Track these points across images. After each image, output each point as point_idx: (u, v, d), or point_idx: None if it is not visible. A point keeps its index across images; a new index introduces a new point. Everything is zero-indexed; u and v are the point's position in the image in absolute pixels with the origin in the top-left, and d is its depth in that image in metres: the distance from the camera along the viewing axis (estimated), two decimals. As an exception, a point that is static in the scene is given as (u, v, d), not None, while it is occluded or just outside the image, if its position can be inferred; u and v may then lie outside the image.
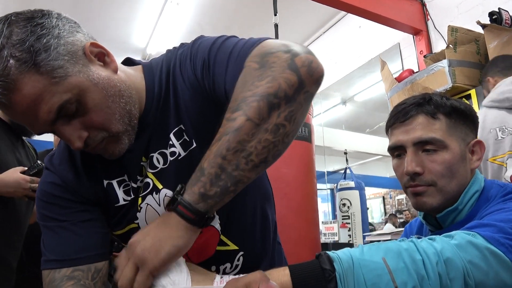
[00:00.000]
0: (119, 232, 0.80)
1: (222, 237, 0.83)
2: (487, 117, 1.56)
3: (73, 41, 0.64)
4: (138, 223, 0.77)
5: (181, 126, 0.73)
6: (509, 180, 1.51)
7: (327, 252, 0.57)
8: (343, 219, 4.56)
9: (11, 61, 0.57)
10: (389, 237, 2.58)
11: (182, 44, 0.77)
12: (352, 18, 3.82)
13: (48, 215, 0.75)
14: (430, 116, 0.83)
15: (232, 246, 0.84)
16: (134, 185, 0.76)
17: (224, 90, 0.64)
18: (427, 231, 0.92)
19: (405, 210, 8.83)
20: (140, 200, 0.76)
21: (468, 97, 2.04)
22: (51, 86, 0.59)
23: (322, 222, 4.39)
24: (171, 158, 0.74)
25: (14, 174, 1.48)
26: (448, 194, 0.81)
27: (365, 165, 8.05)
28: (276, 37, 2.48)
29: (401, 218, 8.17)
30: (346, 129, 5.95)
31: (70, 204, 0.75)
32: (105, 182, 0.76)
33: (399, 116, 0.86)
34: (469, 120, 0.86)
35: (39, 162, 1.58)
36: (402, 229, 1.27)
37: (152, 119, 0.75)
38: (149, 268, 0.55)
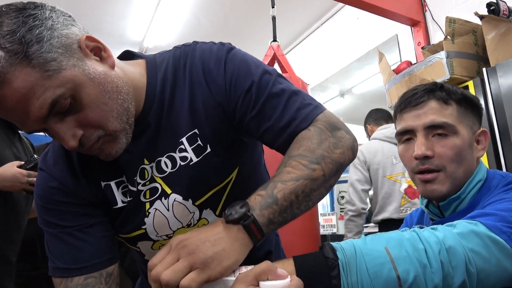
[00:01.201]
0: (125, 236, 0.78)
1: None
2: (384, 148, 2.26)
3: (68, 34, 0.61)
4: (145, 229, 0.76)
5: (196, 130, 0.72)
6: (403, 192, 2.17)
7: (330, 243, 0.57)
8: (341, 211, 4.58)
9: (1, 52, 0.54)
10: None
11: (197, 42, 0.75)
12: (349, 10, 3.80)
13: (51, 221, 0.73)
14: (442, 101, 0.84)
15: None
16: (133, 188, 0.73)
17: (269, 129, 0.70)
18: (428, 221, 0.93)
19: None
20: (148, 205, 0.74)
21: (466, 88, 2.04)
22: (43, 79, 0.56)
23: (321, 214, 4.42)
24: (182, 163, 0.72)
25: (11, 168, 1.48)
26: (456, 180, 0.82)
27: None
28: (274, 29, 2.47)
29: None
30: (344, 121, 5.94)
31: (71, 208, 0.73)
32: (103, 183, 0.74)
33: (411, 100, 0.86)
34: (476, 109, 0.87)
35: (35, 156, 1.58)
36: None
37: (155, 120, 0.72)
38: (209, 274, 0.52)
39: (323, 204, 4.77)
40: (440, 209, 0.85)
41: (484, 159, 1.91)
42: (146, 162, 0.73)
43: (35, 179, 1.51)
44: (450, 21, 2.09)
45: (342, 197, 4.64)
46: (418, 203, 2.11)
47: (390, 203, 2.20)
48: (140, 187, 0.74)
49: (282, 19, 2.88)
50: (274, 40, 2.46)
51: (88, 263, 0.71)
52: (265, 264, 0.52)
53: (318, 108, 0.72)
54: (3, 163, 1.53)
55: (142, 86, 0.72)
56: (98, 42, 0.66)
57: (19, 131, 1.74)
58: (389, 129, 2.30)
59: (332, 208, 5.11)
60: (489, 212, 0.69)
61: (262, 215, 0.57)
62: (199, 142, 0.72)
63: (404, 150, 0.88)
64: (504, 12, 1.99)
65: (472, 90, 2.02)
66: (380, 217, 2.28)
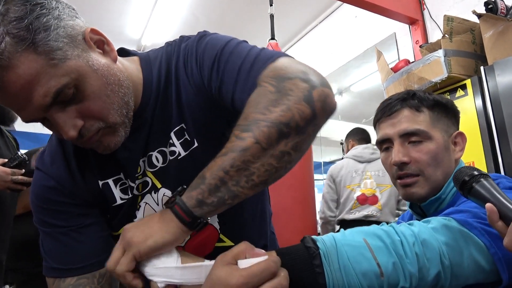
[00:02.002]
0: (119, 232, 0.77)
1: (221, 236, 0.83)
2: (349, 164, 2.77)
3: (73, 25, 0.62)
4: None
5: (183, 125, 0.72)
6: (355, 198, 2.66)
7: (311, 236, 0.59)
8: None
9: (7, 38, 0.54)
10: (385, 227, 2.61)
11: (183, 37, 0.75)
12: (348, 8, 3.79)
13: (47, 220, 0.73)
14: (414, 109, 0.89)
15: (228, 243, 0.84)
16: (132, 184, 0.74)
17: (232, 99, 0.64)
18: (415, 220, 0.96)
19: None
20: (139, 198, 0.75)
21: (464, 87, 2.05)
22: (49, 68, 0.56)
23: (319, 212, 4.42)
24: (171, 158, 0.73)
25: None
26: (435, 183, 0.86)
27: (361, 155, 8.06)
28: (272, 27, 2.47)
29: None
30: (342, 120, 5.95)
31: (68, 208, 0.73)
32: (100, 183, 0.74)
33: (386, 110, 0.91)
34: (450, 113, 0.92)
35: (19, 153, 1.54)
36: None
37: (151, 116, 0.72)
38: (133, 252, 0.56)
39: (321, 202, 4.77)
40: (422, 209, 0.89)
41: (481, 158, 1.91)
42: (141, 157, 0.74)
43: (19, 177, 1.50)
44: (448, 19, 2.10)
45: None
46: (371, 208, 2.61)
47: (346, 207, 2.72)
48: (137, 182, 0.75)
49: (280, 17, 2.87)
50: (272, 38, 2.46)
51: (81, 264, 0.72)
52: (244, 244, 0.53)
53: (265, 58, 0.63)
54: None
55: (139, 81, 0.73)
56: (101, 35, 0.66)
57: (1, 126, 1.73)
58: (357, 150, 2.82)
59: (330, 206, 5.11)
60: (462, 209, 0.72)
61: (191, 196, 0.56)
62: (186, 136, 0.73)
63: (384, 158, 0.93)
64: (502, 10, 2.00)
65: (469, 89, 2.02)
66: (340, 217, 2.77)
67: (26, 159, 1.55)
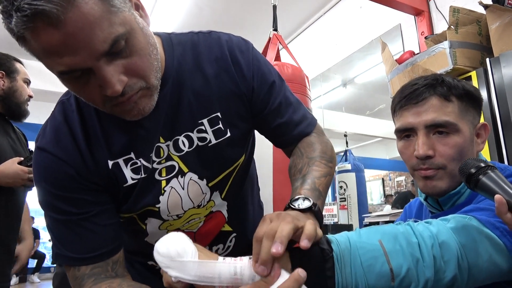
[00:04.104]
0: (130, 215, 0.77)
1: (225, 225, 0.88)
2: None
3: None
4: (159, 207, 0.76)
5: (218, 114, 0.76)
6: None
7: (326, 235, 0.58)
8: (340, 201, 4.63)
9: None
10: (388, 218, 2.60)
11: (214, 32, 0.79)
12: (353, -1, 3.76)
13: (55, 204, 0.71)
14: (443, 98, 0.82)
15: (227, 228, 0.89)
16: (147, 165, 0.73)
17: (279, 124, 0.82)
18: (427, 212, 0.93)
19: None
20: (164, 183, 0.75)
21: (469, 78, 2.03)
22: (109, 14, 0.56)
23: (322, 204, 4.44)
24: (200, 143, 0.75)
25: (13, 165, 1.54)
26: (457, 177, 0.81)
27: (365, 147, 8.05)
28: (274, 19, 2.45)
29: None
30: (346, 111, 5.93)
31: (79, 195, 0.71)
32: (110, 163, 0.72)
33: (411, 97, 0.84)
34: (477, 103, 0.86)
35: None
36: (401, 210, 1.29)
37: (171, 98, 0.73)
38: (295, 223, 0.55)
39: (324, 194, 4.79)
40: (439, 203, 0.85)
41: (485, 151, 1.91)
42: (161, 140, 0.74)
43: None
44: (454, 10, 2.07)
45: (341, 187, 4.69)
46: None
47: None
48: (155, 165, 0.74)
49: (284, 8, 2.85)
50: (275, 29, 2.45)
51: (93, 253, 0.71)
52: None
53: (314, 117, 0.89)
54: (0, 151, 1.58)
55: (162, 58, 0.73)
56: (139, 0, 0.67)
57: (12, 122, 1.78)
58: None
59: (334, 198, 5.13)
60: (483, 207, 0.69)
61: (319, 204, 0.68)
62: (221, 125, 0.76)
63: (404, 147, 0.87)
64: (509, 1, 1.97)
65: (475, 81, 2.00)
66: None
67: None
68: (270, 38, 2.46)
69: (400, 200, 5.46)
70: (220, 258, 0.57)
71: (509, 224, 0.57)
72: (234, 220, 0.89)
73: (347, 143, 5.26)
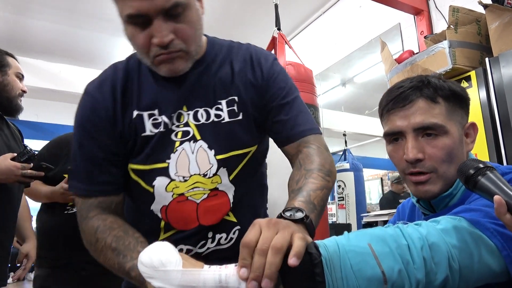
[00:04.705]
0: (147, 167, 0.87)
1: (230, 212, 0.91)
2: None
3: None
4: (169, 163, 0.86)
5: (235, 97, 0.89)
6: None
7: (314, 241, 0.57)
8: (339, 200, 4.63)
9: None
10: (386, 218, 2.61)
11: (247, 43, 0.97)
12: (352, -2, 3.76)
13: (83, 141, 0.85)
14: (430, 100, 0.81)
15: (232, 218, 0.92)
16: (167, 121, 0.86)
17: (292, 129, 0.89)
18: (420, 213, 0.92)
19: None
20: (177, 143, 0.87)
21: (468, 78, 2.03)
22: None
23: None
24: (216, 119, 0.88)
25: (5, 161, 1.51)
26: (448, 179, 0.81)
27: (364, 146, 8.06)
28: (277, 17, 2.45)
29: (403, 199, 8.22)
30: (345, 111, 5.93)
31: (103, 136, 0.85)
32: (135, 113, 0.86)
33: (398, 100, 0.83)
34: (464, 103, 0.85)
35: (28, 148, 1.60)
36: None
37: (201, 77, 0.89)
38: (292, 229, 0.57)
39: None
40: (431, 205, 0.85)
41: (484, 150, 1.91)
42: (184, 108, 0.87)
43: (28, 171, 1.54)
44: (454, 10, 2.07)
45: (339, 186, 4.69)
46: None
47: None
48: (174, 127, 0.87)
49: (284, 7, 2.85)
50: (278, 28, 2.45)
51: (104, 187, 0.85)
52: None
53: (319, 129, 0.93)
54: None
55: (203, 46, 0.91)
56: None
57: (6, 118, 1.75)
58: None
59: (332, 197, 5.14)
60: (473, 207, 0.69)
61: (311, 218, 0.67)
62: (235, 107, 0.89)
63: (393, 150, 0.86)
64: (509, 1, 1.97)
65: (474, 81, 2.01)
66: None
67: (35, 154, 1.62)
68: (274, 37, 2.46)
69: (387, 204, 5.31)
70: (206, 267, 0.56)
71: (509, 225, 0.57)
72: (239, 212, 0.92)
73: (346, 142, 5.26)
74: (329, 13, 4.30)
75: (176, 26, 0.77)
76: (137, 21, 0.76)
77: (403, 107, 0.83)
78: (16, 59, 1.78)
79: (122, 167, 0.88)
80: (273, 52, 2.52)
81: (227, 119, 0.88)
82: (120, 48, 5.47)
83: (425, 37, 2.48)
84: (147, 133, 0.85)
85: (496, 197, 0.57)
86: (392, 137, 0.86)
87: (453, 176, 0.81)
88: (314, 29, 4.54)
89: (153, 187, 0.87)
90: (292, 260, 0.51)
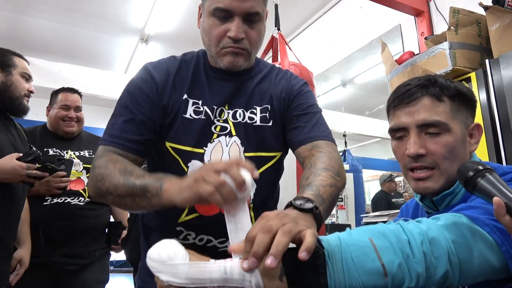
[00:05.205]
0: (187, 148, 0.96)
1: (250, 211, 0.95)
2: None
3: None
4: (205, 150, 0.96)
5: (268, 106, 1.02)
6: None
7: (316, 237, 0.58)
8: (338, 200, 4.63)
9: None
10: (385, 219, 2.60)
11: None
12: (353, -1, 3.77)
13: (129, 106, 0.94)
14: (435, 98, 0.83)
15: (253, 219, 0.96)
16: (209, 112, 0.97)
17: (305, 135, 0.98)
18: (423, 212, 0.93)
19: (403, 192, 8.88)
20: (215, 135, 0.97)
21: (468, 80, 2.03)
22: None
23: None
24: (248, 121, 1.00)
25: (11, 161, 1.51)
26: (450, 177, 0.81)
27: (364, 147, 8.07)
28: (276, 18, 2.45)
29: (400, 199, 8.22)
30: (345, 111, 5.94)
31: (148, 105, 0.94)
32: (184, 96, 0.98)
33: (404, 97, 0.85)
34: (470, 104, 0.87)
35: (34, 149, 1.61)
36: (398, 210, 1.29)
37: (247, 84, 1.02)
38: (299, 228, 0.56)
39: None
40: (434, 203, 0.86)
41: (484, 152, 1.91)
42: (226, 107, 0.99)
43: (34, 171, 1.55)
44: (454, 11, 2.08)
45: (340, 187, 4.68)
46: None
47: None
48: (215, 121, 0.98)
49: (284, 7, 2.85)
50: (278, 28, 2.45)
51: (130, 144, 0.91)
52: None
53: (333, 139, 1.00)
54: (0, 148, 1.56)
55: (257, 60, 1.09)
56: None
57: (13, 118, 1.76)
58: None
59: (332, 198, 5.12)
60: (473, 205, 0.70)
61: (320, 210, 0.69)
62: (267, 114, 1.02)
63: (397, 147, 0.88)
64: (509, 3, 1.97)
65: (474, 82, 2.01)
66: None
67: (40, 154, 1.64)
68: (273, 37, 2.47)
69: (380, 205, 5.23)
70: (212, 260, 0.57)
71: (508, 226, 0.57)
72: (256, 211, 0.98)
73: (345, 143, 5.27)
74: (329, 13, 4.30)
75: (249, 30, 0.93)
76: (220, 15, 0.91)
77: (408, 103, 0.85)
78: (25, 60, 1.78)
79: (154, 135, 0.95)
80: (271, 52, 2.52)
81: (258, 123, 1.00)
82: (120, 47, 5.47)
83: (425, 38, 2.48)
84: (187, 116, 0.96)
85: (495, 199, 0.57)
86: (397, 133, 0.88)
87: (455, 174, 0.81)
88: (315, 30, 4.54)
89: (187, 167, 0.96)
90: (303, 254, 0.50)
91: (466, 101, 0.86)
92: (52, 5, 4.25)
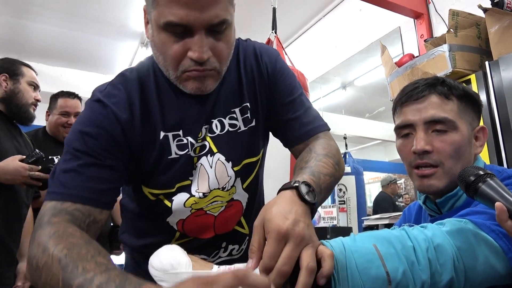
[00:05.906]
0: (163, 191, 0.82)
1: (242, 219, 0.92)
2: None
3: None
4: (192, 180, 0.83)
5: (247, 104, 0.87)
6: None
7: (320, 241, 0.58)
8: (340, 203, 4.62)
9: None
10: (387, 221, 2.60)
11: (249, 40, 0.94)
12: (352, 1, 3.77)
13: (80, 145, 0.72)
14: (443, 96, 0.83)
15: (246, 230, 0.93)
16: (193, 141, 0.81)
17: (299, 125, 0.88)
18: (426, 215, 0.93)
19: (404, 194, 8.86)
20: (195, 159, 0.83)
21: (468, 82, 2.03)
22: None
23: (321, 206, 4.43)
24: (231, 129, 0.85)
25: (13, 162, 1.52)
26: (453, 177, 0.81)
27: (364, 149, 8.06)
28: (274, 21, 2.46)
29: (401, 202, 8.21)
30: (345, 114, 5.94)
31: (108, 147, 0.74)
32: (162, 134, 0.80)
33: (412, 94, 0.85)
34: (476, 106, 0.87)
35: (37, 151, 1.62)
36: (401, 213, 1.29)
37: (219, 88, 0.84)
38: (315, 246, 0.55)
39: (324, 197, 4.79)
40: (437, 206, 0.85)
41: (485, 154, 1.91)
42: (205, 124, 0.83)
43: (36, 173, 1.55)
44: (454, 13, 2.08)
45: (340, 190, 4.68)
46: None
47: None
48: (196, 144, 0.82)
49: (283, 10, 2.86)
50: (275, 31, 2.46)
51: (87, 195, 0.70)
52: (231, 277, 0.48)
53: (326, 124, 0.91)
54: (5, 154, 1.57)
55: None
56: None
57: (19, 126, 1.79)
58: None
59: (333, 201, 5.13)
60: (479, 210, 0.69)
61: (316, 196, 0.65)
62: (248, 115, 0.87)
63: (403, 144, 0.88)
64: (508, 5, 1.98)
65: (474, 84, 2.01)
66: None
67: (43, 156, 1.64)
68: (270, 40, 2.47)
69: (384, 207, 5.19)
70: (215, 267, 0.56)
71: (510, 231, 0.57)
72: (249, 217, 0.93)
73: (346, 145, 5.26)
74: (329, 16, 4.31)
75: (215, 43, 0.72)
76: (175, 30, 0.69)
77: (416, 100, 0.85)
78: (33, 70, 1.82)
79: (121, 180, 0.76)
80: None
81: (243, 128, 0.86)
82: (121, 52, 5.48)
83: (425, 41, 2.48)
84: (173, 156, 0.80)
85: (497, 204, 0.57)
86: (403, 130, 0.88)
87: None
88: (315, 33, 4.55)
89: (171, 201, 0.84)
90: (322, 281, 0.51)
91: (473, 103, 0.86)
92: (52, 9, 4.26)
